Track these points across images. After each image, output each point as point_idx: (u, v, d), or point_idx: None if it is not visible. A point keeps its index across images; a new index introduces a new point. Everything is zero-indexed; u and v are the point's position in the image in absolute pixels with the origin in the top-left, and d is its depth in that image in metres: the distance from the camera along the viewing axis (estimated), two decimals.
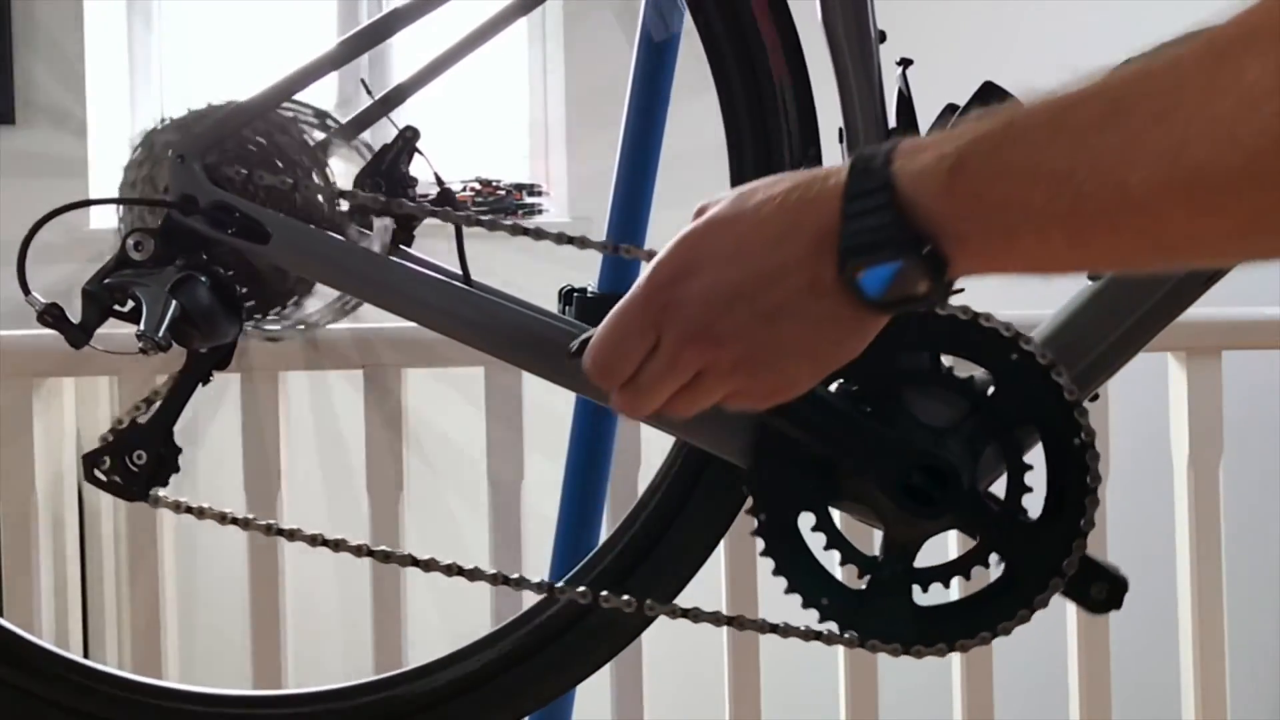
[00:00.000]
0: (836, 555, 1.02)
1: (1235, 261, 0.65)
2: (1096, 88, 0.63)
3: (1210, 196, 0.59)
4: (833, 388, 1.00)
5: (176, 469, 1.07)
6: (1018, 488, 1.00)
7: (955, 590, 1.05)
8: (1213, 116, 0.58)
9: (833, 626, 1.02)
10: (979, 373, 1.01)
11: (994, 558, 1.02)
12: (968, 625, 1.01)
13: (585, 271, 1.47)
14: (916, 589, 1.02)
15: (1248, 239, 0.61)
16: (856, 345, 0.76)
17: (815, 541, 1.02)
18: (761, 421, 1.00)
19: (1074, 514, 0.99)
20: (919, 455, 0.98)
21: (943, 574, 1.01)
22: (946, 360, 1.02)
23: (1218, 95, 0.58)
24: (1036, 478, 1.01)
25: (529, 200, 3.14)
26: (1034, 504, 1.02)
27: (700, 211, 0.77)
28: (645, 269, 0.77)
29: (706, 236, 0.75)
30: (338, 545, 1.06)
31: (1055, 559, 1.00)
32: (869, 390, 0.99)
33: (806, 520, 1.02)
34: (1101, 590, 1.02)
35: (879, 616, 1.01)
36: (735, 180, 1.07)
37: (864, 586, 1.02)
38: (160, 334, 0.99)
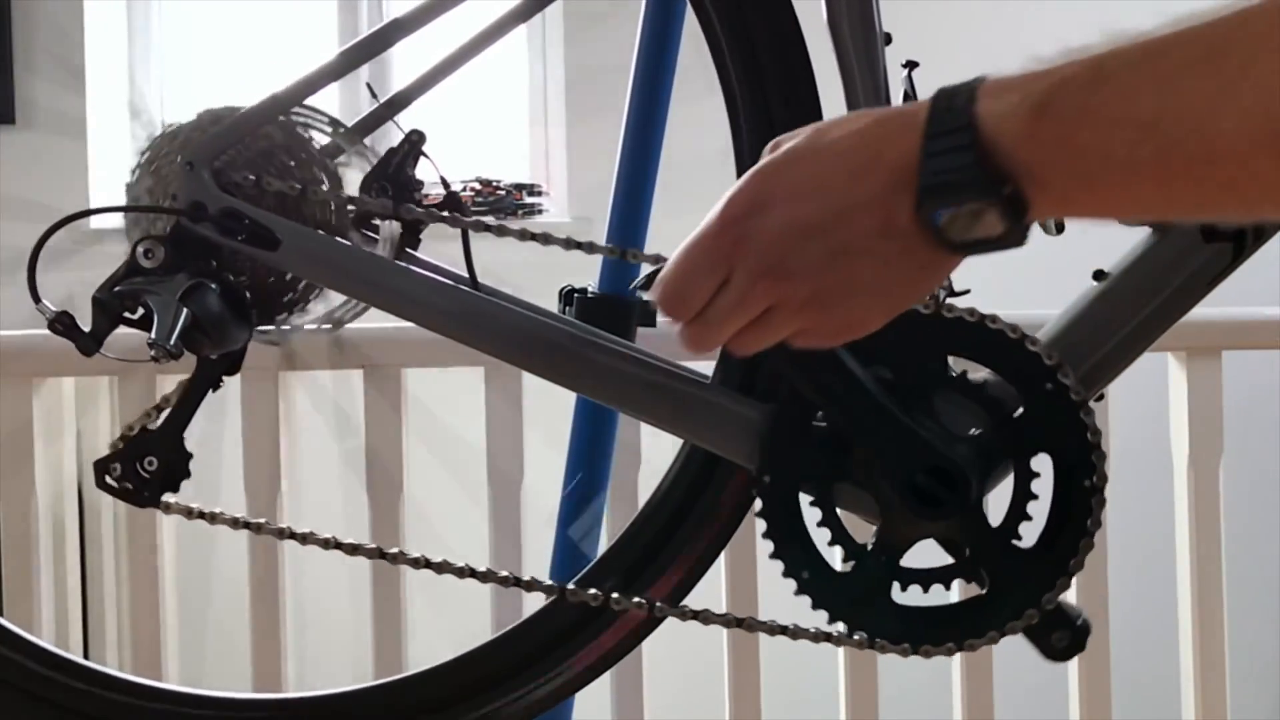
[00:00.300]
0: (828, 535, 1.02)
1: None
2: (1190, 32, 0.62)
3: None
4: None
5: (187, 475, 1.07)
6: (1019, 513, 1.00)
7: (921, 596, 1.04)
8: None
9: (808, 607, 1.01)
10: (984, 372, 1.01)
11: (978, 575, 1.02)
12: (937, 632, 1.01)
13: (585, 272, 1.48)
14: (897, 586, 1.01)
15: None
16: (928, 285, 0.75)
17: (810, 516, 1.02)
18: (770, 420, 1.00)
19: (1066, 552, 0.99)
20: (936, 456, 0.97)
21: (925, 578, 1.01)
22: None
23: None
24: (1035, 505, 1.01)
25: (529, 200, 3.14)
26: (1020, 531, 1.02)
27: (775, 146, 0.76)
28: (719, 201, 0.75)
29: (782, 170, 0.74)
30: (354, 550, 1.06)
31: (1037, 591, 0.99)
32: (901, 383, 0.99)
33: (806, 496, 1.01)
34: (1063, 638, 1.01)
35: (854, 603, 1.01)
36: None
37: (847, 570, 1.01)
38: (172, 343, 0.99)
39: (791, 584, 1.02)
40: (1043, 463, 1.00)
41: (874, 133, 0.72)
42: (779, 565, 1.02)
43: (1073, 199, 0.67)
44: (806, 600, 1.02)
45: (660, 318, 0.78)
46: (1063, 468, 0.99)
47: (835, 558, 1.03)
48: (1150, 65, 0.63)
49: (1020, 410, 0.99)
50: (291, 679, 1.81)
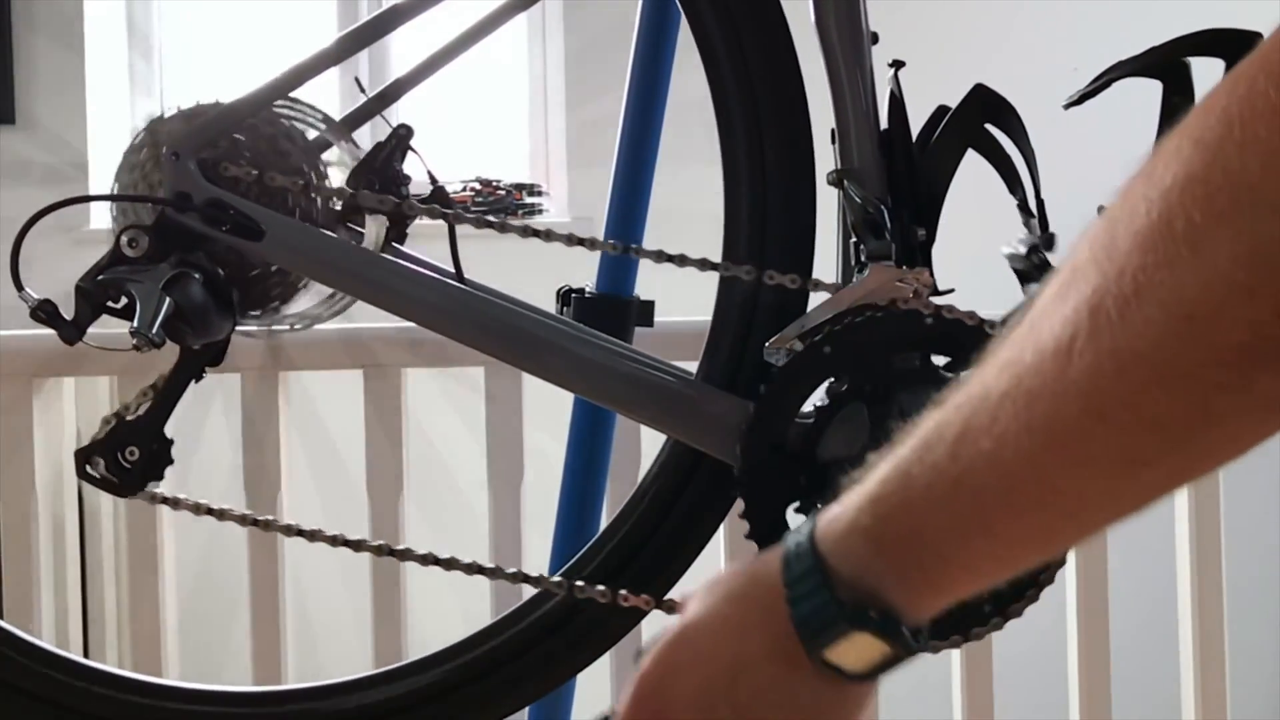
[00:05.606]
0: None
1: (1149, 499, 0.63)
2: (982, 365, 0.64)
3: (1068, 448, 0.60)
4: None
5: (169, 463, 1.07)
6: None
7: None
8: (1040, 372, 0.60)
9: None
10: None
11: None
12: (943, 625, 1.01)
13: (584, 272, 1.48)
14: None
15: (1128, 477, 0.61)
16: (848, 719, 0.74)
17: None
18: (751, 417, 1.00)
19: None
20: None
21: None
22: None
23: (1036, 354, 0.60)
24: None
25: (529, 200, 3.14)
26: None
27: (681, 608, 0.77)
28: (630, 683, 0.76)
29: (679, 643, 0.75)
30: (334, 541, 1.06)
31: (1009, 598, 1.00)
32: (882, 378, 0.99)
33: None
34: None
35: None
36: (728, 183, 1.07)
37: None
38: (154, 331, 0.99)
39: None
40: None
41: (746, 591, 0.73)
42: None
43: (943, 587, 0.69)
44: None
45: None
46: None
47: None
48: (938, 429, 0.65)
49: None
50: (292, 674, 1.81)
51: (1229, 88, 0.55)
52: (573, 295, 1.36)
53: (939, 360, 1.02)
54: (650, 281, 1.44)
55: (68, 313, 1.03)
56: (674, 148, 1.62)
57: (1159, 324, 0.56)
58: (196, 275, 1.02)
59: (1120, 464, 0.60)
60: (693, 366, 1.10)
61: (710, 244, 1.11)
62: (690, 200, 1.68)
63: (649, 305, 1.44)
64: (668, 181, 1.62)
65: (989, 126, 1.02)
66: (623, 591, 1.05)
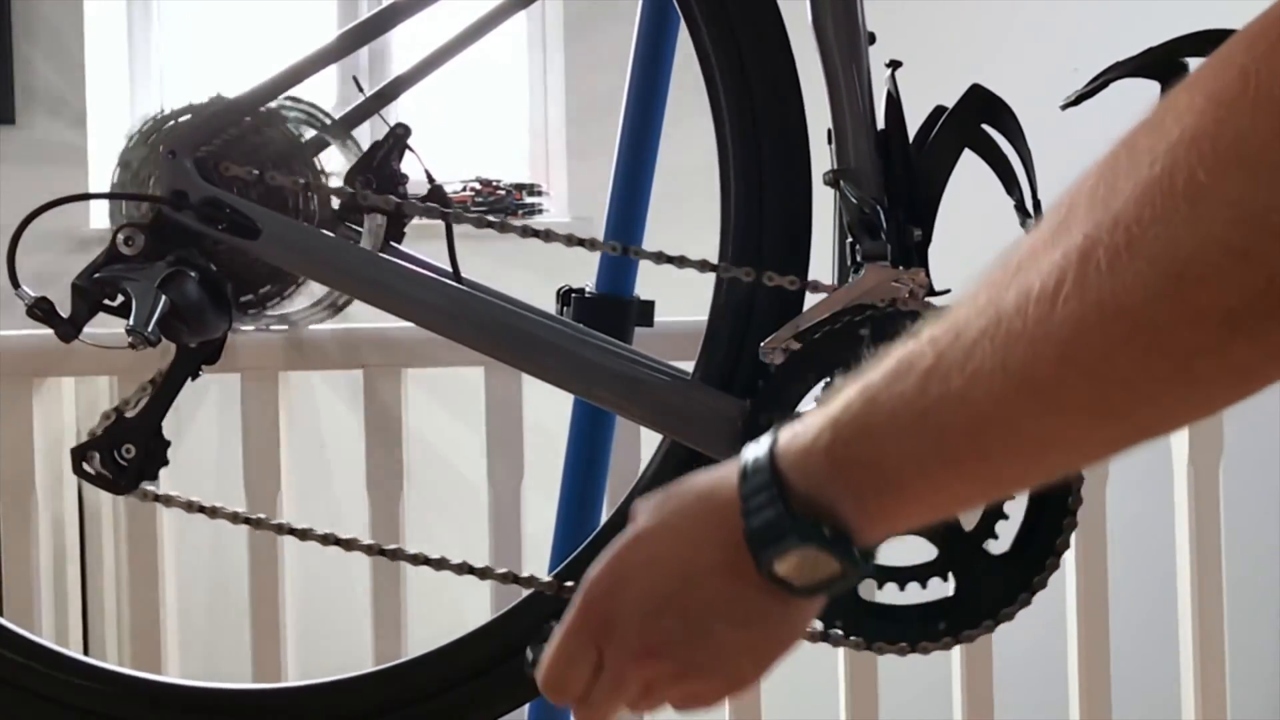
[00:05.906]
0: None
1: (1114, 451, 0.63)
2: (960, 302, 0.64)
3: (1041, 394, 0.60)
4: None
5: (165, 463, 1.07)
6: (996, 514, 1.00)
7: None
8: (1022, 315, 0.60)
9: None
10: None
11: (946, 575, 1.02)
12: (893, 630, 1.01)
13: (584, 272, 1.48)
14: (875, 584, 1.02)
15: (1096, 428, 0.61)
16: (793, 634, 0.75)
17: None
18: (747, 415, 1.00)
19: (1032, 567, 1.00)
20: None
21: (899, 576, 1.01)
22: None
23: (1019, 297, 0.60)
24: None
25: (529, 200, 3.14)
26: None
27: (633, 515, 0.78)
28: (580, 587, 0.77)
29: (632, 549, 0.76)
30: (305, 535, 1.06)
31: (1000, 601, 1.00)
32: None
33: None
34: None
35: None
36: (724, 183, 1.07)
37: None
38: (149, 329, 1.00)
39: None
40: None
41: (700, 504, 0.74)
42: None
43: (897, 514, 0.69)
44: None
45: None
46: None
47: None
48: (908, 361, 0.65)
49: None
50: (292, 673, 1.81)
51: (1246, 45, 0.54)
52: (572, 295, 1.36)
53: None
54: (651, 281, 1.45)
55: (65, 312, 1.03)
56: (677, 117, 1.61)
57: (1147, 280, 0.55)
58: (192, 274, 1.03)
59: (1091, 414, 0.60)
60: (691, 367, 1.10)
61: (710, 226, 1.11)
62: (691, 182, 1.68)
63: (649, 305, 1.44)
64: (673, 157, 1.62)
65: (986, 127, 1.02)
66: (568, 583, 1.05)
